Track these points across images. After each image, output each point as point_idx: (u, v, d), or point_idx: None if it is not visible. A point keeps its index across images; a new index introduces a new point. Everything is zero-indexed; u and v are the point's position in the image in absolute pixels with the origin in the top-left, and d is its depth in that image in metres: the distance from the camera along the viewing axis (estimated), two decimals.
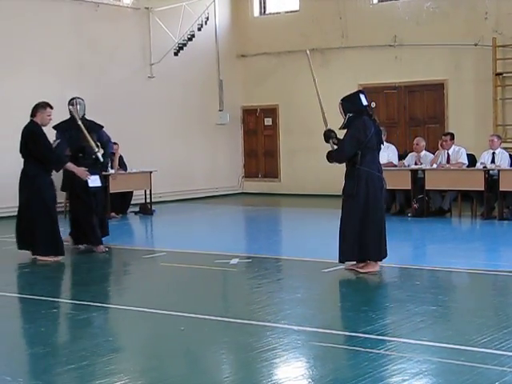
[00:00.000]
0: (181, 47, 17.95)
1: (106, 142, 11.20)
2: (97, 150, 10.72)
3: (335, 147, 8.90)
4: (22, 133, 10.16)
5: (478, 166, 14.08)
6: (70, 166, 10.38)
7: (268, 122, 20.00)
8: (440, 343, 5.88)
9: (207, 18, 18.11)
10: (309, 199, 18.20)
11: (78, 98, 11.02)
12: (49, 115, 10.07)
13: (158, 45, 17.84)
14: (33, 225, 10.00)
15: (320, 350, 5.89)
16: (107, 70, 16.97)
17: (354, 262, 8.86)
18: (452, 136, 14.63)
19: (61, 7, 16.26)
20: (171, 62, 17.98)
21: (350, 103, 8.79)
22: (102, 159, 10.81)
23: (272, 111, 19.87)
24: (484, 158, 14.12)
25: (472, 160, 14.65)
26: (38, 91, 15.77)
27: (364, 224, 8.63)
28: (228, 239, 12.48)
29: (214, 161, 19.62)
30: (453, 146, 14.53)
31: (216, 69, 19.40)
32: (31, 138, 9.99)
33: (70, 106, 10.87)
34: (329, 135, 9.00)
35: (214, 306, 7.55)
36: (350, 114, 8.73)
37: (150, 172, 15.75)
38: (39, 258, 10.07)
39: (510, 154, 14.03)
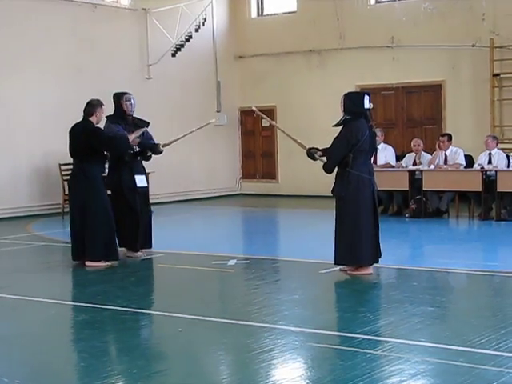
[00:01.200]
0: (178, 48, 17.94)
1: (148, 139, 10.71)
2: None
3: (324, 159, 8.92)
4: (76, 132, 9.74)
5: (476, 166, 14.09)
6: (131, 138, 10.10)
7: (266, 123, 19.96)
8: (438, 344, 5.89)
9: (205, 19, 18.09)
10: (306, 200, 18.19)
11: (129, 93, 10.59)
12: (103, 113, 9.87)
13: (156, 46, 17.84)
14: (92, 228, 9.63)
15: (318, 351, 5.89)
16: (105, 71, 16.96)
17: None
18: (449, 137, 14.64)
19: (58, 8, 16.25)
20: (169, 63, 17.98)
21: (351, 102, 8.74)
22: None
23: (270, 112, 19.82)
24: (481, 159, 14.14)
25: (469, 161, 14.66)
26: (36, 93, 15.83)
27: (356, 228, 8.61)
28: (226, 240, 12.49)
29: (212, 162, 19.61)
30: (450, 147, 14.54)
31: (213, 70, 19.40)
32: (90, 133, 9.61)
33: (122, 101, 10.44)
34: (312, 153, 9.10)
35: (211, 307, 7.54)
36: (348, 116, 8.70)
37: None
38: (90, 263, 9.64)
39: (507, 155, 14.04)
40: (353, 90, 18.11)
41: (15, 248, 11.66)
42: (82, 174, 9.73)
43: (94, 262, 9.67)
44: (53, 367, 5.70)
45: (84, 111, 9.81)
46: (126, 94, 10.58)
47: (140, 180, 10.45)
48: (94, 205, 9.66)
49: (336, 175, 8.81)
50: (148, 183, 10.77)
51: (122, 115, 10.46)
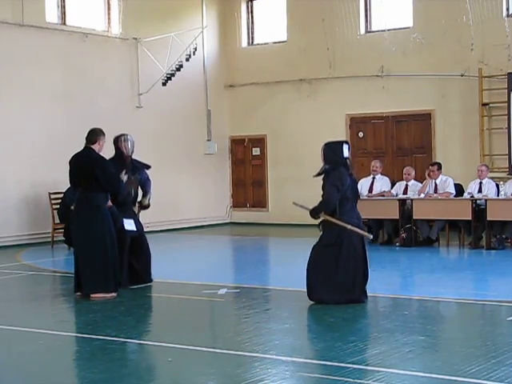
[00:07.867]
0: (169, 77, 18.00)
1: (144, 181, 10.72)
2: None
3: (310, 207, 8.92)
4: (79, 161, 9.57)
5: (466, 195, 14.13)
6: None
7: (256, 151, 20.04)
8: (428, 373, 5.86)
9: (195, 49, 18.19)
10: (297, 229, 18.16)
11: (126, 134, 10.47)
12: (105, 143, 9.72)
13: (147, 75, 17.89)
14: (95, 259, 9.42)
15: (309, 380, 5.86)
16: (95, 100, 16.99)
17: None
18: (439, 166, 14.70)
19: (49, 37, 16.29)
20: (159, 92, 18.02)
21: (331, 151, 8.85)
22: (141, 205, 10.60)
23: (260, 141, 19.91)
24: (471, 188, 14.18)
25: (459, 190, 14.70)
26: (26, 121, 15.80)
27: (335, 269, 8.72)
28: (216, 269, 12.45)
29: (202, 190, 19.59)
30: (440, 176, 14.59)
31: (204, 99, 19.45)
32: (95, 162, 9.43)
33: (119, 143, 10.35)
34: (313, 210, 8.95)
35: (201, 337, 7.50)
36: (327, 166, 8.79)
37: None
38: (96, 295, 9.44)
39: (496, 184, 14.09)
40: (343, 119, 18.36)
41: (4, 277, 11.59)
42: (85, 203, 9.53)
43: (99, 293, 9.47)
44: None
45: (86, 139, 9.64)
46: (123, 134, 10.48)
47: (128, 223, 10.26)
48: (100, 234, 9.47)
49: (323, 226, 8.88)
50: (138, 229, 10.48)
51: (121, 157, 10.37)
